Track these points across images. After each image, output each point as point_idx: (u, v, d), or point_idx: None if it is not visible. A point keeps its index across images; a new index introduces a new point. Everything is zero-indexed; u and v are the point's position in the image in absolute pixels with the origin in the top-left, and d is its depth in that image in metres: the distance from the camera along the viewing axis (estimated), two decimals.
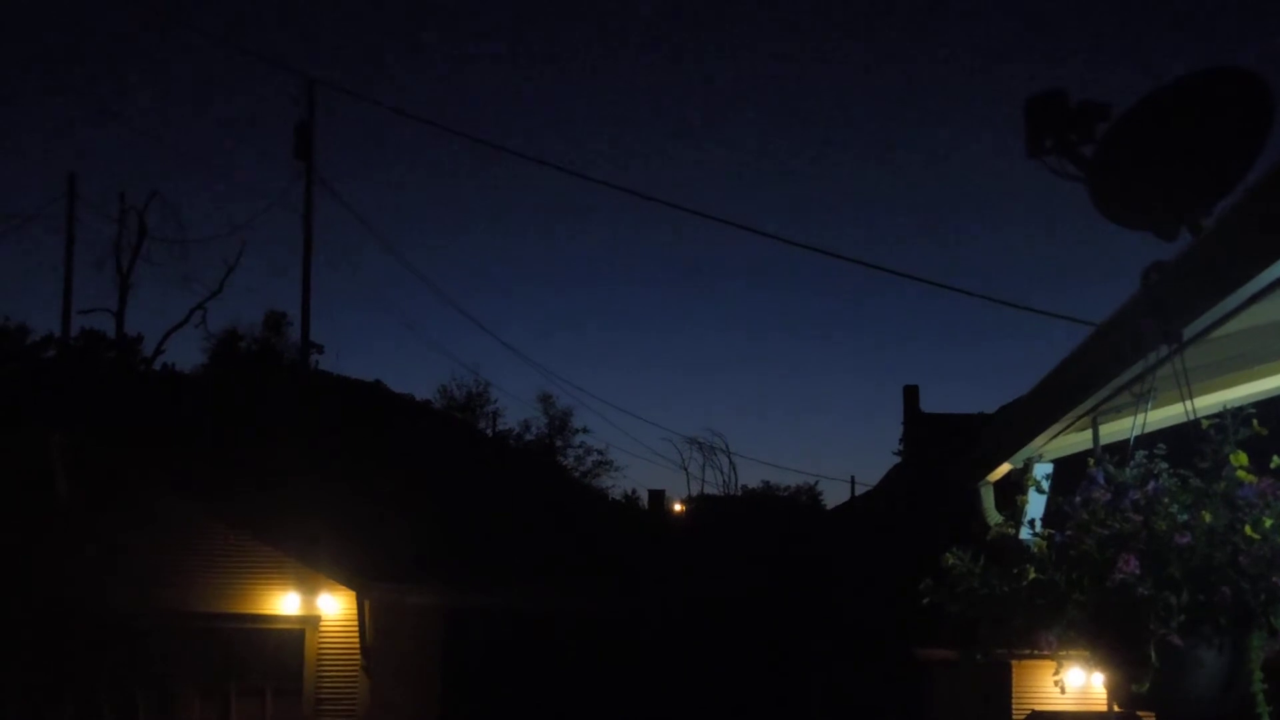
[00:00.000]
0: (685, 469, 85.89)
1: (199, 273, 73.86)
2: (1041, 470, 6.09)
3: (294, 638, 27.49)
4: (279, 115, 38.94)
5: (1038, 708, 25.98)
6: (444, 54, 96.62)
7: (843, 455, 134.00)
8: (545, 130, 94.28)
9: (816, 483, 76.73)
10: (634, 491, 73.08)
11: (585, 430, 69.55)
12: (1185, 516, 4.42)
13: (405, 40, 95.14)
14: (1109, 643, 4.57)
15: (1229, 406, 4.76)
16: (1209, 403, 5.63)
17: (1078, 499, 4.66)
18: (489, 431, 65.22)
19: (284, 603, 27.41)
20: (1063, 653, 4.83)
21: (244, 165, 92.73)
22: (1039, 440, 6.79)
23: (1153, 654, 4.35)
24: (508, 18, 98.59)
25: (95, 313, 49.88)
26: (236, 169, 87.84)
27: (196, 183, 77.98)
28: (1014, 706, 26.65)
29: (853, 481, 69.09)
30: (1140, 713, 5.27)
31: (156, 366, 51.97)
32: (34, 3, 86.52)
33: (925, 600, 5.25)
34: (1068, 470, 5.89)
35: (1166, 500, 4.48)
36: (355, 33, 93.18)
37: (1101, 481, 4.65)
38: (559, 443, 68.80)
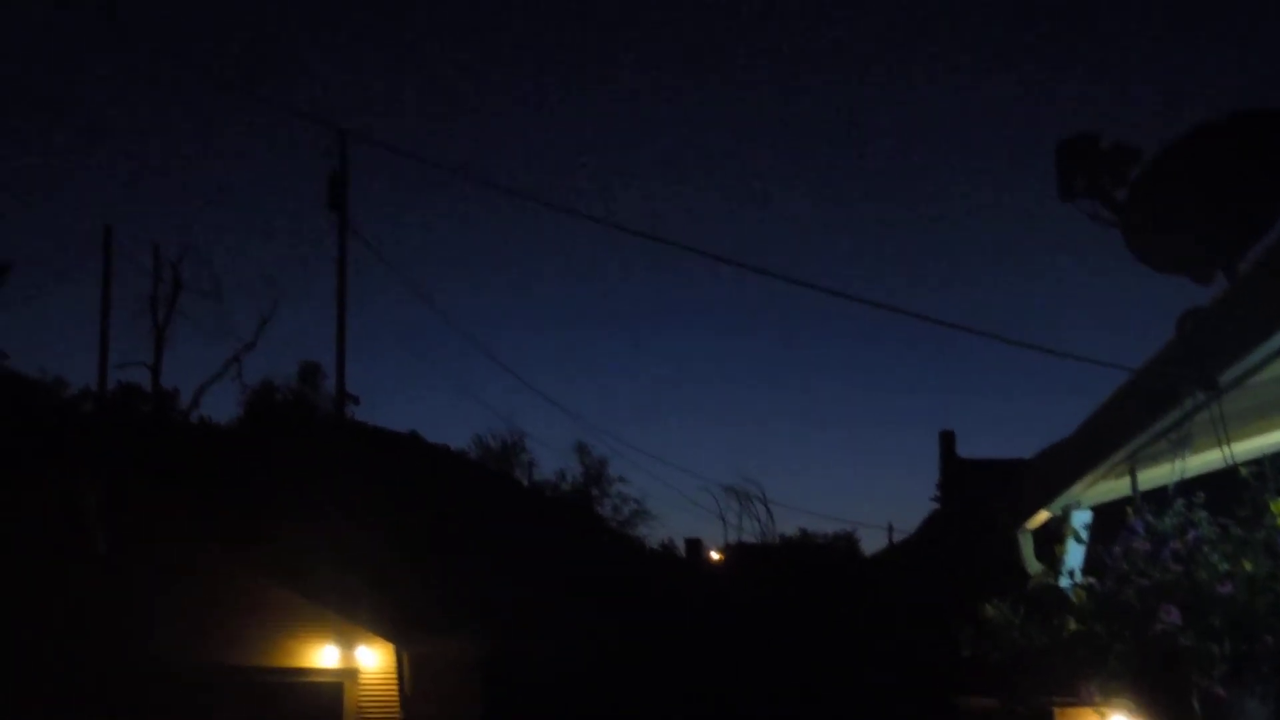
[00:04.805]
0: (722, 517, 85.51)
1: (234, 325, 74.09)
2: (1080, 519, 6.05)
3: (332, 691, 27.41)
4: (312, 167, 38.92)
5: None
6: (476, 103, 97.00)
7: (880, 502, 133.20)
8: (579, 178, 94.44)
9: (854, 530, 76.29)
10: (671, 540, 72.82)
11: (622, 479, 69.36)
12: (1226, 565, 4.38)
13: (437, 91, 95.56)
14: (1151, 694, 4.53)
15: (1268, 452, 4.73)
16: (1247, 448, 5.59)
17: (1117, 549, 4.62)
18: (525, 482, 65.16)
19: (322, 655, 27.35)
20: (1105, 703, 4.78)
21: (278, 217, 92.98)
22: (1077, 487, 6.75)
23: (1196, 705, 4.31)
24: (540, 70, 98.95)
25: (131, 366, 50.17)
26: (270, 221, 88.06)
27: (230, 235, 78.56)
28: None
29: (890, 529, 68.63)
30: None
31: (193, 419, 52.19)
32: (67, 58, 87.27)
33: (966, 652, 5.22)
34: (1106, 517, 5.85)
35: (1206, 549, 4.45)
36: (387, 83, 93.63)
37: (1141, 531, 4.62)
38: (595, 492, 68.68)
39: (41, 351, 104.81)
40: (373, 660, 27.30)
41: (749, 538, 71.43)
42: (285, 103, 78.45)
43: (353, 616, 27.19)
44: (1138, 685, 4.60)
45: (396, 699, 27.08)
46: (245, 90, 67.75)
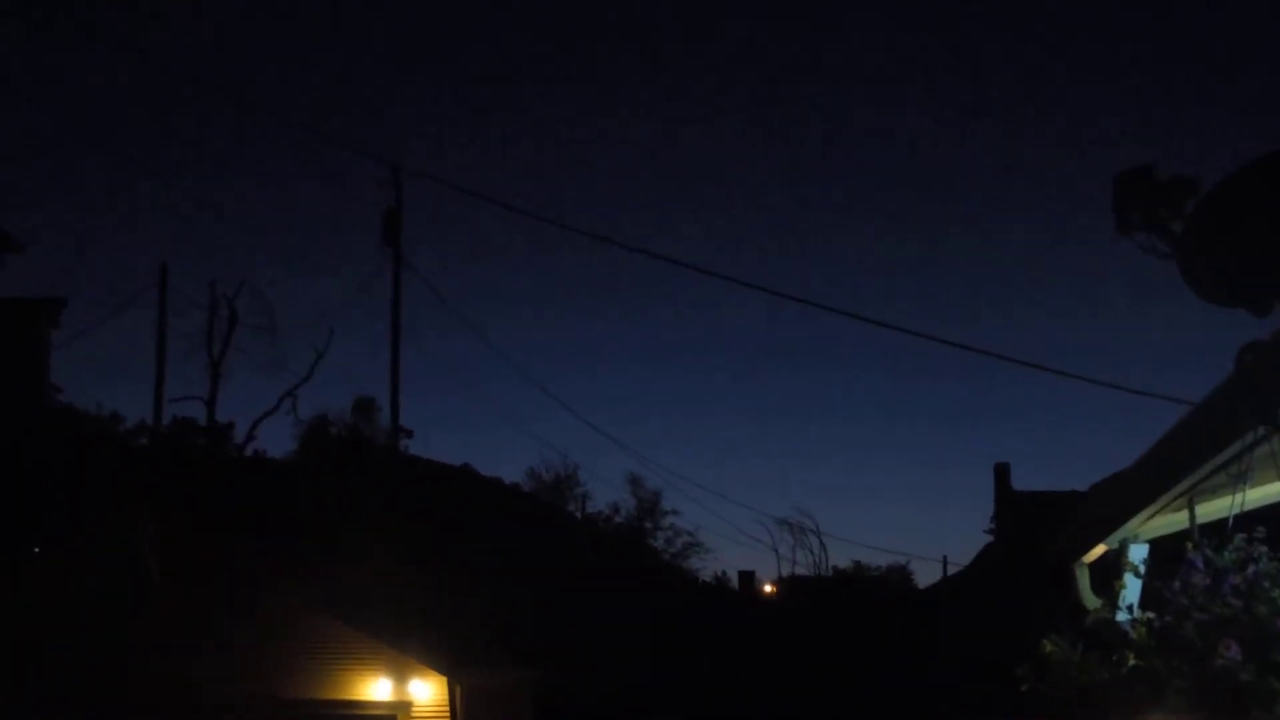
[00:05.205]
0: (775, 550, 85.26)
1: (289, 359, 74.25)
2: (1138, 554, 6.01)
3: None
4: (366, 202, 39.02)
5: None
6: (530, 140, 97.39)
7: (934, 534, 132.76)
8: (633, 214, 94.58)
9: (908, 562, 75.97)
10: (724, 573, 72.62)
11: (675, 512, 69.16)
12: None
13: (491, 127, 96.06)
14: None
15: None
16: None
17: (1177, 584, 4.59)
18: (578, 514, 65.11)
19: (375, 688, 27.36)
20: None
21: (332, 252, 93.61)
22: (1135, 521, 6.70)
23: None
24: (594, 108, 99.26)
25: (187, 400, 50.42)
26: (325, 256, 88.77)
27: (285, 269, 78.96)
28: None
29: (945, 561, 68.30)
30: None
31: (248, 453, 52.41)
32: (123, 96, 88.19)
33: (1024, 688, 5.19)
34: (1162, 551, 5.81)
35: (1267, 584, 4.41)
36: (442, 119, 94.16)
37: (1200, 566, 4.58)
38: (648, 524, 68.49)
39: (97, 386, 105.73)
40: (425, 693, 27.28)
41: (802, 570, 71.27)
42: (341, 139, 79.07)
43: (405, 649, 27.21)
44: None
45: None
46: (301, 127, 68.20)
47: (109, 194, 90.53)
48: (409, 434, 51.93)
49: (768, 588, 67.90)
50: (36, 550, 31.01)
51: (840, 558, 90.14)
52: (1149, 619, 4.74)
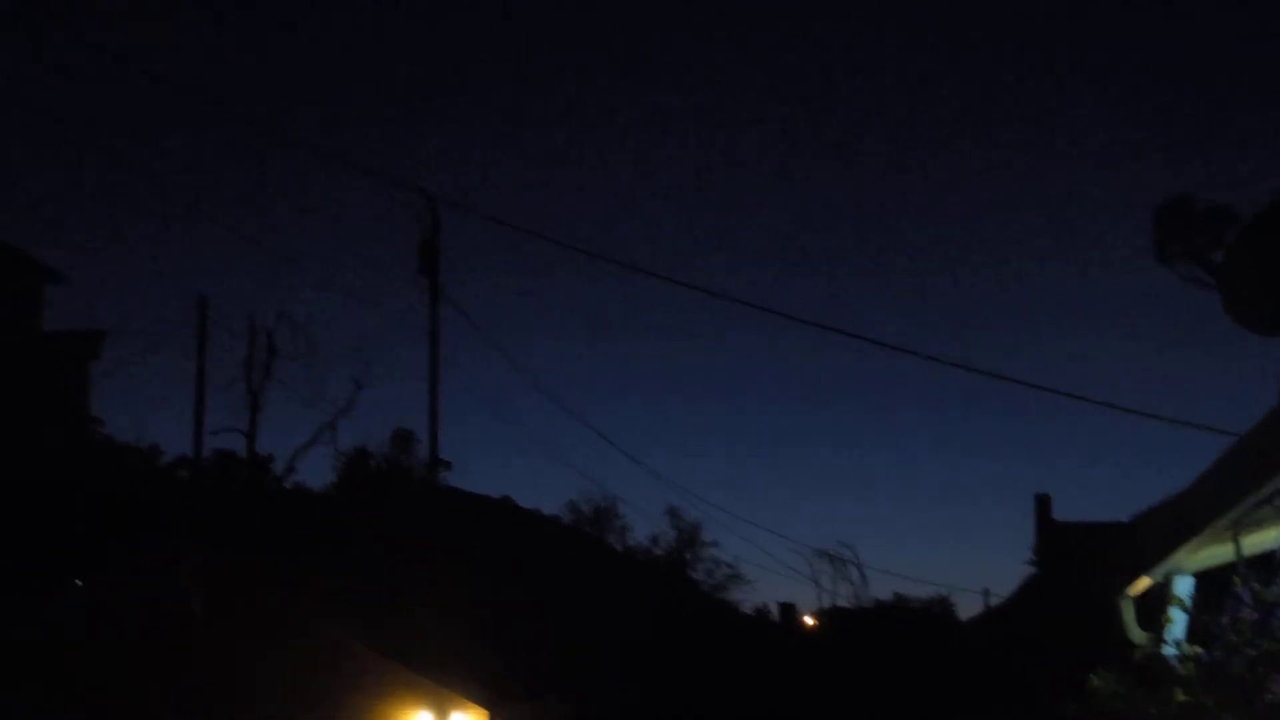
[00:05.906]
0: (815, 582, 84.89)
1: (328, 391, 74.28)
2: (1184, 587, 5.96)
3: None
4: (403, 232, 39.05)
5: None
6: (567, 169, 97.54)
7: (975, 566, 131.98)
8: (675, 244, 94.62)
9: (949, 594, 75.58)
10: (765, 605, 72.48)
11: (714, 544, 69.02)
12: None
13: (529, 156, 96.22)
14: None
15: None
16: None
17: (1224, 619, 4.55)
18: (618, 546, 65.03)
19: None
20: None
21: (371, 283, 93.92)
22: (1180, 553, 6.64)
23: None
24: (630, 136, 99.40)
25: (226, 433, 50.49)
26: (364, 286, 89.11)
27: (324, 301, 79.38)
28: None
29: (986, 593, 67.96)
30: None
31: (287, 485, 52.41)
32: (162, 130, 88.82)
33: None
34: (1208, 582, 5.77)
35: None
36: (478, 148, 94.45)
37: (1248, 600, 4.55)
38: (688, 556, 68.35)
39: (137, 419, 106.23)
40: None
41: (843, 602, 70.98)
42: (377, 170, 79.35)
43: (446, 682, 27.18)
44: None
45: None
46: (338, 158, 68.58)
47: (149, 227, 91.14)
48: (448, 466, 51.88)
49: (808, 619, 67.66)
50: (79, 584, 31.13)
51: (881, 589, 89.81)
52: (1197, 654, 4.70)
